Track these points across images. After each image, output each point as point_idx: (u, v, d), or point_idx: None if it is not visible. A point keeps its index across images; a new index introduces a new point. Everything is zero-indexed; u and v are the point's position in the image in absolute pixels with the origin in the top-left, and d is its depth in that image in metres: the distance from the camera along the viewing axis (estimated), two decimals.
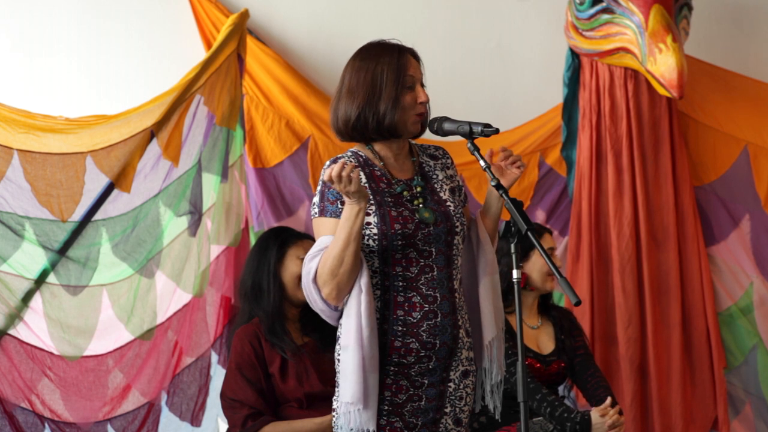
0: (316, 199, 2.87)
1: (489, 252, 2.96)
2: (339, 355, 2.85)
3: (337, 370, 2.87)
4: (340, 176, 2.67)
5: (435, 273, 2.85)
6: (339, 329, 2.86)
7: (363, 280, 2.78)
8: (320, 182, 2.87)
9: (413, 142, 3.02)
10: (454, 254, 2.90)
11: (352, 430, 2.78)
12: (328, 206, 2.83)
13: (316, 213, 2.86)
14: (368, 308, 2.77)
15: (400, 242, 2.82)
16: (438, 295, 2.85)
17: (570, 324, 4.09)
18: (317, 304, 2.83)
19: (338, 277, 2.75)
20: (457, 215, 2.91)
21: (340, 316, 2.85)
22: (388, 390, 2.82)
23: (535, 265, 3.97)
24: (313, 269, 2.79)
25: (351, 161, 2.87)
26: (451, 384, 2.88)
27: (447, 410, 2.89)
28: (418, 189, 2.91)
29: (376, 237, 2.81)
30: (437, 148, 3.05)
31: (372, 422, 2.77)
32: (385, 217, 2.82)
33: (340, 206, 2.81)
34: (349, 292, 2.81)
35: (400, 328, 2.81)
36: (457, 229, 2.90)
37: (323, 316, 2.88)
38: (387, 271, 2.83)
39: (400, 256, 2.83)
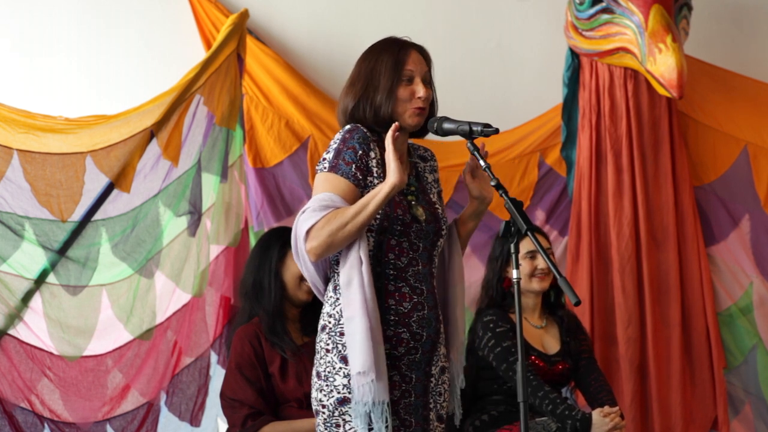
0: (328, 156, 2.85)
1: (460, 260, 3.01)
2: (333, 333, 2.81)
3: (318, 360, 2.85)
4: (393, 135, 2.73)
5: (420, 267, 2.88)
6: (332, 305, 2.84)
7: (362, 251, 2.78)
8: (338, 141, 2.86)
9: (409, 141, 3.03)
10: (434, 254, 2.94)
11: (367, 404, 2.74)
12: (341, 165, 2.82)
13: (325, 167, 2.84)
14: (370, 280, 2.77)
15: (399, 227, 2.84)
16: (424, 288, 2.87)
17: (575, 327, 4.09)
18: (303, 258, 2.82)
19: (334, 238, 2.74)
20: (444, 219, 2.95)
21: (326, 284, 2.86)
22: None
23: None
24: (312, 221, 2.75)
25: (369, 135, 2.87)
26: (432, 379, 2.90)
27: (431, 406, 2.90)
28: (413, 188, 2.94)
29: (378, 216, 2.82)
30: (426, 149, 3.08)
31: (386, 394, 2.74)
32: (390, 200, 2.83)
33: (354, 170, 2.81)
34: (343, 261, 2.81)
35: (392, 318, 2.82)
36: (443, 232, 2.94)
37: (307, 273, 2.87)
38: (380, 256, 2.84)
39: (395, 243, 2.85)
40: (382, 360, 2.75)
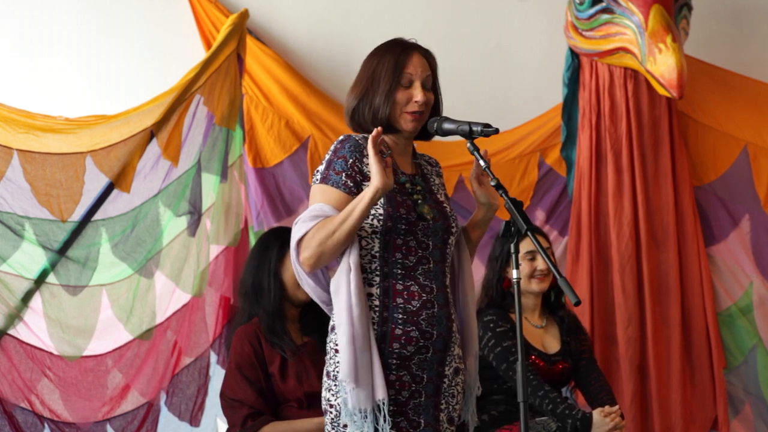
0: (321, 167, 2.86)
1: (470, 267, 3.01)
2: (333, 340, 2.84)
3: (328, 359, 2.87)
4: (375, 140, 2.73)
5: (431, 265, 2.87)
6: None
7: (352, 258, 2.78)
8: (331, 152, 2.87)
9: (415, 145, 3.04)
10: (447, 252, 2.93)
11: (352, 408, 2.75)
12: (332, 175, 2.83)
13: (317, 180, 2.85)
14: (358, 286, 2.77)
15: (403, 227, 2.84)
16: (434, 286, 2.86)
17: (575, 327, 4.09)
18: (300, 272, 2.83)
19: (324, 246, 2.75)
20: (453, 216, 2.95)
21: (328, 301, 2.87)
22: (391, 388, 2.81)
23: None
24: (302, 231, 2.77)
25: (361, 137, 2.88)
26: (445, 380, 2.89)
27: (442, 407, 2.89)
28: (419, 187, 2.93)
29: (381, 217, 2.82)
30: (431, 157, 3.09)
31: (367, 402, 2.75)
32: (392, 200, 2.84)
33: (344, 179, 2.82)
34: (333, 268, 2.82)
35: (400, 316, 2.82)
36: (453, 230, 2.94)
37: (310, 291, 2.88)
38: (386, 257, 2.84)
39: (401, 242, 2.84)
40: (364, 367, 2.75)
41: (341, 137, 2.90)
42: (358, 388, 2.74)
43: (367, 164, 2.84)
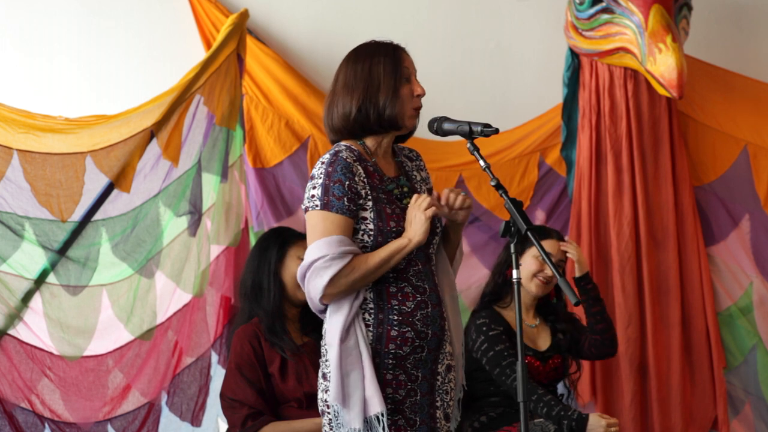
0: (316, 192, 2.83)
1: (448, 271, 3.01)
2: (326, 353, 2.86)
3: (324, 370, 2.89)
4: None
5: (420, 267, 2.90)
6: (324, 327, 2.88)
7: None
8: (322, 176, 2.84)
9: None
10: (431, 252, 2.95)
11: (341, 426, 2.80)
12: (333, 201, 2.81)
13: (317, 206, 2.82)
14: (357, 311, 2.81)
15: (393, 238, 2.85)
16: (427, 286, 2.89)
17: (568, 316, 4.07)
18: (312, 295, 2.85)
19: (354, 286, 2.80)
20: (437, 216, 2.94)
21: (324, 310, 2.88)
22: (389, 387, 2.83)
23: (522, 266, 3.90)
24: (335, 269, 2.76)
25: (347, 153, 2.86)
26: (438, 377, 2.91)
27: (438, 404, 2.91)
28: (405, 189, 2.94)
29: (372, 233, 2.83)
30: (411, 150, 3.08)
31: (357, 421, 2.78)
32: (381, 213, 2.84)
33: (346, 203, 2.81)
34: None
35: (395, 317, 2.83)
36: (437, 230, 2.95)
37: (312, 305, 2.90)
38: None
39: None
40: (351, 389, 2.78)
41: (327, 158, 2.86)
42: (345, 408, 2.78)
43: (358, 181, 2.84)
